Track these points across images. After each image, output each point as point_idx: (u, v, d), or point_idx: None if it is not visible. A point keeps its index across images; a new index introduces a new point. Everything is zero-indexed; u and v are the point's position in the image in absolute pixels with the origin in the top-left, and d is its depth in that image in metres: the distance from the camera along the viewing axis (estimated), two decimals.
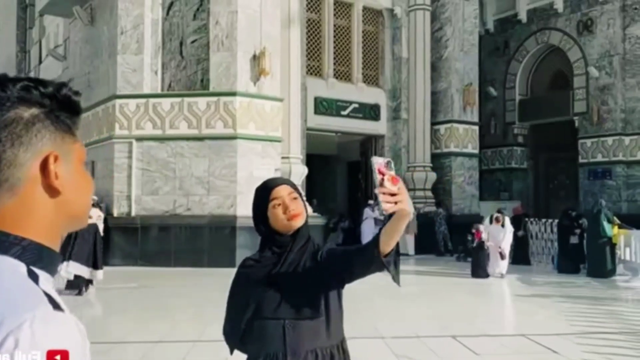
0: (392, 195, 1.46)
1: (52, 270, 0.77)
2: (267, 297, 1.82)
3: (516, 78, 20.53)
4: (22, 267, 0.72)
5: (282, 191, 1.84)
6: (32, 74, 22.55)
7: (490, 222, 11.79)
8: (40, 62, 22.02)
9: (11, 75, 0.77)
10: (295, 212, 1.82)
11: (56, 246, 0.78)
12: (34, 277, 0.71)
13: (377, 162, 1.48)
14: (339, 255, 1.85)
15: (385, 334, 6.46)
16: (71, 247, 8.99)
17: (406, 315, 7.90)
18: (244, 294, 1.88)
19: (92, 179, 0.84)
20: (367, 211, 15.73)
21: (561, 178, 20.41)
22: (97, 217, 9.59)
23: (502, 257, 11.58)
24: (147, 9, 13.73)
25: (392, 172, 1.48)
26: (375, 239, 1.69)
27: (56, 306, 0.69)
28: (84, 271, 9.22)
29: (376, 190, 1.48)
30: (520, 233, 14.15)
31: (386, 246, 1.65)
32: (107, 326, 7.11)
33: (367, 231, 15.31)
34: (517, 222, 14.36)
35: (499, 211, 12.22)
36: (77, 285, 9.28)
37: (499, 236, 11.63)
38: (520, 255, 14.08)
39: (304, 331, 1.81)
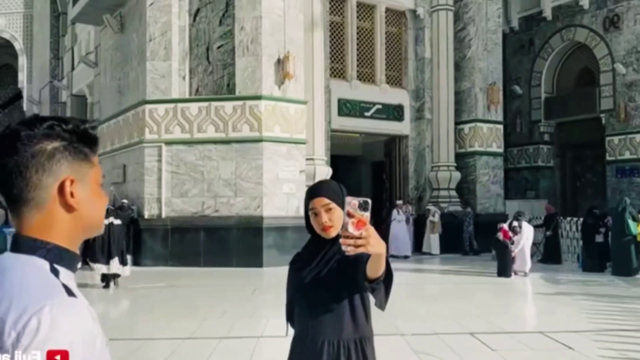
0: (355, 238, 1.54)
1: (72, 268, 1.02)
2: (300, 288, 2.07)
3: (542, 76, 20.40)
4: (46, 265, 0.96)
5: (318, 203, 2.00)
6: (64, 81, 23.29)
7: (510, 227, 11.79)
8: (72, 68, 22.70)
9: (41, 116, 1.03)
10: (327, 224, 2.00)
11: (75, 249, 1.04)
12: (55, 272, 0.96)
13: (350, 203, 1.54)
14: (350, 264, 1.96)
15: (405, 332, 6.64)
16: (108, 247, 9.89)
17: (426, 313, 8.07)
18: (290, 284, 2.15)
19: (106, 197, 1.09)
20: (394, 213, 15.79)
21: (588, 176, 20.21)
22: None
23: (513, 260, 11.63)
24: (175, 16, 14.12)
25: (366, 214, 1.54)
26: (362, 263, 1.82)
27: (71, 294, 0.93)
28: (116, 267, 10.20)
29: (340, 231, 1.61)
30: (549, 233, 14.16)
31: (371, 274, 1.82)
32: (137, 324, 7.45)
33: (398, 234, 15.31)
34: (549, 221, 14.37)
35: (516, 218, 12.14)
36: (107, 279, 10.25)
37: (518, 243, 11.67)
38: (550, 254, 14.08)
39: (324, 321, 2.01)
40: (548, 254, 14.16)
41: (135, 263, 13.49)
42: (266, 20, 13.41)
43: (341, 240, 1.54)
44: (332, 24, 16.15)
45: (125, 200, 13.75)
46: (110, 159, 16.22)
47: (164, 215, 13.55)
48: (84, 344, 0.89)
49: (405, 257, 15.11)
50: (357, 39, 16.64)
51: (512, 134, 20.58)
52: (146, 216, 13.65)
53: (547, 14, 19.76)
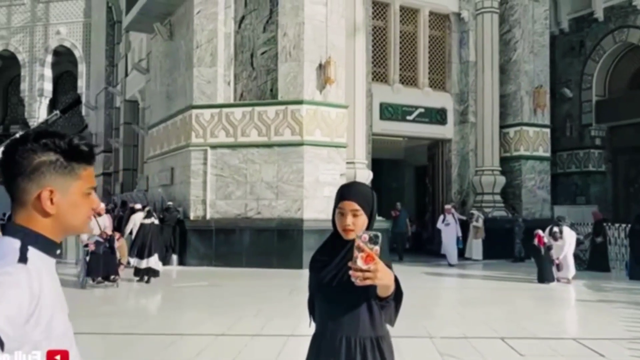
0: (363, 271, 1.72)
1: (47, 251, 1.25)
2: (320, 287, 2.17)
3: (593, 78, 19.83)
4: (17, 243, 1.19)
5: (348, 205, 2.08)
6: (118, 87, 24.23)
7: (550, 233, 11.54)
8: (126, 74, 23.60)
9: (35, 131, 1.26)
10: (349, 227, 2.09)
11: (56, 240, 1.27)
12: (24, 249, 1.19)
13: (361, 237, 1.73)
14: None
15: (434, 334, 6.68)
16: (149, 244, 10.53)
17: (459, 317, 8.07)
18: (311, 281, 2.25)
19: (91, 205, 1.30)
20: (441, 218, 15.38)
21: None
22: (104, 226, 10.46)
23: (559, 268, 11.40)
24: (221, 24, 14.55)
25: (376, 248, 1.71)
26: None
27: (21, 261, 1.16)
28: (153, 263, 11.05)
29: (349, 263, 1.76)
30: (599, 240, 13.79)
31: (381, 294, 1.95)
32: (175, 320, 7.76)
33: (448, 240, 14.91)
34: (597, 227, 14.01)
35: (556, 223, 11.86)
36: (144, 273, 11.00)
37: (558, 251, 11.43)
38: (598, 261, 13.70)
39: (342, 319, 2.11)
40: (595, 261, 13.78)
41: (181, 263, 13.97)
42: (308, 26, 13.65)
43: (350, 272, 1.70)
44: (374, 28, 16.24)
45: (170, 202, 14.29)
46: (159, 162, 16.82)
47: (208, 216, 13.96)
48: (16, 298, 1.11)
49: (452, 265, 14.63)
50: (400, 42, 16.66)
51: (561, 138, 20.08)
52: (192, 217, 14.09)
53: (599, 14, 19.22)
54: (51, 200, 1.22)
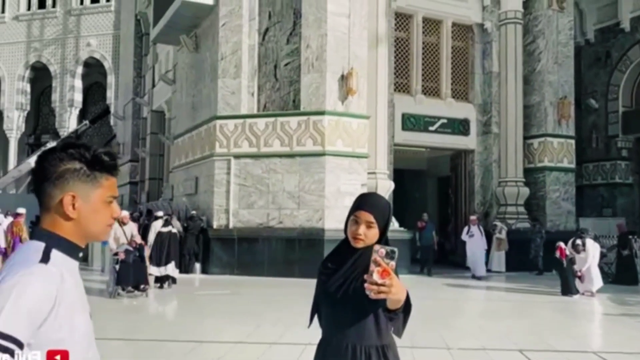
0: (378, 285, 1.76)
1: (71, 254, 1.35)
2: (327, 294, 2.19)
3: (619, 89, 19.63)
4: (42, 245, 1.30)
5: (364, 216, 2.12)
6: (146, 97, 24.70)
7: (573, 246, 11.41)
8: (153, 86, 24.05)
9: (72, 142, 1.38)
10: (360, 237, 2.12)
11: (79, 244, 1.37)
12: (48, 251, 1.30)
13: (378, 251, 1.78)
14: None
15: (452, 345, 6.68)
16: (167, 252, 10.78)
17: (479, 329, 8.04)
18: (318, 286, 2.27)
19: (112, 213, 1.40)
20: (465, 229, 15.02)
21: None
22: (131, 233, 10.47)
23: (581, 280, 11.25)
24: (245, 36, 14.79)
25: (392, 263, 1.76)
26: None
27: (43, 261, 1.26)
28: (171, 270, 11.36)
29: (365, 276, 1.80)
30: (626, 252, 13.59)
31: (390, 307, 1.95)
32: (195, 327, 7.88)
33: (473, 252, 14.53)
34: (623, 240, 13.80)
35: (579, 235, 11.70)
36: (162, 280, 11.31)
37: (581, 264, 11.29)
38: (625, 274, 13.50)
39: (348, 327, 2.14)
40: (621, 274, 13.57)
41: (204, 271, 14.14)
42: (331, 37, 13.80)
43: (366, 285, 1.75)
44: (397, 39, 16.32)
45: (194, 211, 14.51)
46: (184, 171, 17.10)
47: (231, 225, 14.13)
48: (40, 296, 1.21)
49: (477, 277, 14.25)
50: (423, 53, 16.71)
51: (587, 149, 19.88)
52: (215, 226, 14.28)
53: (625, 25, 19.06)
54: (73, 205, 1.33)
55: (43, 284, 1.23)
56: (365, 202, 2.19)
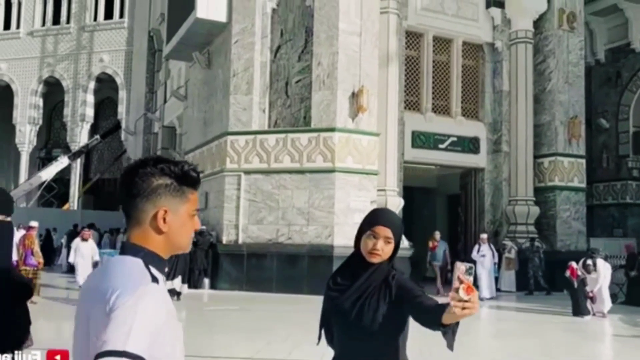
0: (464, 302, 1.77)
1: (160, 269, 1.38)
2: (339, 311, 2.16)
3: (630, 109, 19.62)
4: (140, 262, 1.33)
5: (383, 231, 2.13)
6: (157, 113, 24.92)
7: (584, 266, 11.32)
8: (165, 101, 24.29)
9: (159, 157, 1.42)
10: (377, 252, 2.13)
11: (165, 257, 1.41)
12: (147, 268, 1.33)
13: (460, 268, 1.79)
14: (411, 302, 2.10)
15: None
16: (174, 267, 10.90)
17: (488, 348, 7.99)
18: (324, 305, 2.24)
19: (194, 226, 1.44)
20: (476, 248, 14.47)
21: None
22: None
23: (593, 301, 11.15)
24: (257, 53, 14.93)
25: (470, 279, 1.79)
26: (441, 309, 1.95)
27: (154, 280, 1.30)
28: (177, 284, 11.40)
29: (451, 294, 1.80)
30: (633, 274, 13.47)
31: (446, 321, 1.93)
32: (205, 342, 7.87)
33: (482, 272, 13.86)
34: (630, 261, 13.69)
35: (589, 256, 11.60)
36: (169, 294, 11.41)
37: (593, 284, 11.20)
38: (635, 295, 13.35)
39: (361, 344, 2.13)
40: (633, 295, 13.44)
41: (213, 286, 14.13)
42: (342, 55, 13.91)
43: (453, 303, 1.76)
44: (408, 57, 16.42)
45: (204, 227, 14.53)
46: None
47: (240, 241, 14.14)
48: (158, 316, 1.24)
49: (481, 298, 13.82)
50: (433, 72, 16.78)
51: (597, 169, 19.83)
52: (224, 242, 14.29)
53: (636, 45, 19.12)
54: (164, 219, 1.37)
55: (159, 303, 1.26)
56: (383, 217, 2.19)
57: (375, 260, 2.14)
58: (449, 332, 1.96)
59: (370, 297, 2.12)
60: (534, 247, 15.64)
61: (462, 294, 1.74)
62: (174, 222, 1.38)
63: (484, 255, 14.25)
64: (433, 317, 1.93)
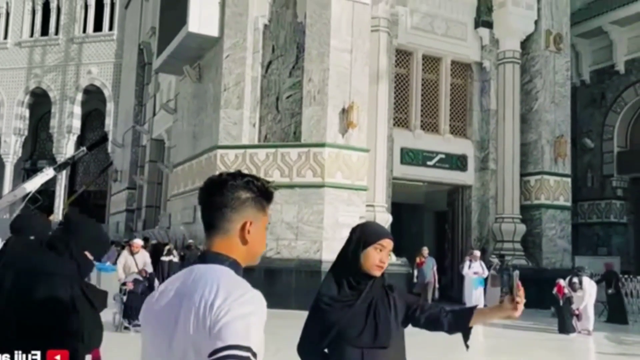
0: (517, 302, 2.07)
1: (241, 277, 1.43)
2: (349, 327, 2.16)
3: (614, 129, 19.96)
4: (231, 271, 1.40)
5: (388, 243, 2.20)
6: (146, 126, 24.85)
7: (569, 284, 11.45)
8: (154, 114, 24.24)
9: (242, 172, 1.50)
10: (383, 265, 2.20)
11: (244, 266, 1.47)
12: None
13: (517, 275, 2.10)
14: (423, 309, 2.24)
15: None
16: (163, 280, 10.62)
17: None
18: (324, 321, 2.18)
19: (265, 238, 1.52)
20: (467, 264, 14.32)
21: None
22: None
23: (579, 318, 11.27)
24: (248, 68, 15.02)
25: (519, 283, 2.09)
26: (467, 314, 2.20)
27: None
28: None
29: (517, 299, 2.07)
30: (611, 291, 13.64)
31: (474, 323, 2.15)
32: None
33: (469, 292, 13.95)
34: (608, 278, 13.86)
35: (575, 274, 11.72)
36: None
37: (578, 302, 11.32)
38: (615, 313, 13.51)
39: (380, 354, 2.15)
40: (613, 313, 13.59)
41: None
42: (333, 72, 14.03)
43: (518, 306, 2.06)
44: (397, 75, 16.61)
45: (191, 240, 14.48)
46: (183, 200, 17.12)
47: None
48: (261, 318, 1.32)
49: None
50: (422, 89, 16.97)
51: (582, 188, 20.09)
52: None
53: (620, 67, 19.50)
54: (248, 230, 1.44)
55: (264, 306, 1.34)
56: (385, 230, 2.27)
57: (379, 272, 2.19)
58: (469, 333, 2.16)
59: (377, 306, 2.18)
60: (503, 264, 15.51)
61: (521, 296, 2.05)
62: (255, 233, 1.46)
63: (477, 272, 14.18)
64: (460, 321, 2.17)
